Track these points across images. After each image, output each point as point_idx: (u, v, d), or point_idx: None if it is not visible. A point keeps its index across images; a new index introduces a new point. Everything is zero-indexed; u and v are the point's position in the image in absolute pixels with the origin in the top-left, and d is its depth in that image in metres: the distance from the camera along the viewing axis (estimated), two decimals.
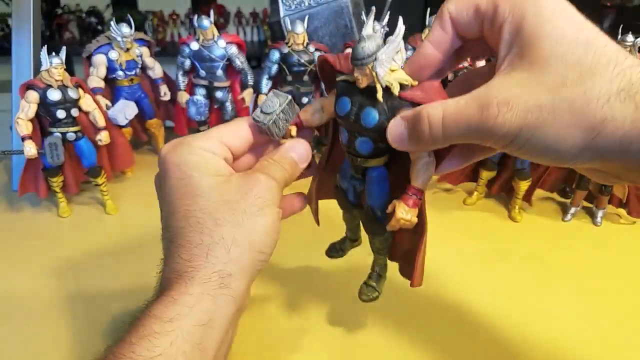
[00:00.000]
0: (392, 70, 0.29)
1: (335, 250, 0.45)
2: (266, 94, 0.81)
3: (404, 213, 0.31)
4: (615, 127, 0.23)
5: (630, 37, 0.71)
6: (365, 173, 0.35)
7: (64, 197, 0.68)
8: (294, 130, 0.35)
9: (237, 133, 0.34)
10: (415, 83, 0.30)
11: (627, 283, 0.55)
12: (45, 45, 0.63)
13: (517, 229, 0.67)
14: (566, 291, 0.53)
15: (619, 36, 0.72)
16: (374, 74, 0.28)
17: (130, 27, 0.76)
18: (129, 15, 0.78)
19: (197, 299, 0.28)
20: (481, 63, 0.75)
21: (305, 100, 0.81)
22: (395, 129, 0.29)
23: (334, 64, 0.32)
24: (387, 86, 0.29)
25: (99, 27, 2.53)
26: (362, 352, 0.44)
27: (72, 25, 2.55)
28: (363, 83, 0.29)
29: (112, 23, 0.75)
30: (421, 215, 0.33)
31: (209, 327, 0.28)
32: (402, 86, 0.29)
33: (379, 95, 0.29)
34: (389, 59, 0.29)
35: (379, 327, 0.47)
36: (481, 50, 0.31)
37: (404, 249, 0.38)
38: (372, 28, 0.30)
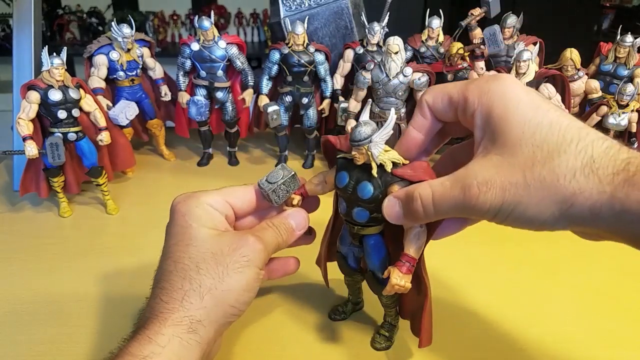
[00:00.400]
0: (386, 151, 0.34)
1: (338, 312, 0.47)
2: (266, 94, 0.81)
3: (398, 279, 0.34)
4: (584, 198, 0.26)
5: (629, 38, 0.72)
6: (363, 240, 0.39)
7: (65, 197, 0.68)
8: (297, 199, 0.39)
9: (243, 195, 0.39)
10: (407, 162, 0.34)
11: (624, 281, 0.56)
12: (46, 46, 0.63)
13: (515, 230, 0.67)
14: (565, 291, 0.53)
15: (618, 37, 0.72)
16: (369, 153, 0.33)
17: (131, 28, 0.77)
18: (129, 16, 0.78)
19: (168, 339, 0.31)
20: (481, 64, 0.75)
21: (305, 100, 0.81)
22: (391, 208, 0.33)
23: (335, 143, 0.37)
24: (381, 163, 0.33)
25: (100, 28, 2.54)
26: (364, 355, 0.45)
27: (72, 26, 2.56)
28: (360, 160, 0.34)
29: (113, 24, 0.76)
30: (421, 279, 0.37)
31: None
32: (395, 164, 0.34)
33: (374, 171, 0.33)
34: (382, 141, 0.33)
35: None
36: (460, 131, 0.35)
37: (411, 309, 0.42)
38: (368, 115, 0.35)
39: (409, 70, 0.68)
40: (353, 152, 0.34)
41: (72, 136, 0.65)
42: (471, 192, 0.28)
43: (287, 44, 0.78)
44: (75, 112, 0.65)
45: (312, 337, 0.46)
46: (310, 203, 0.41)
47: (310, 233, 0.42)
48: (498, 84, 0.30)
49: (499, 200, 0.28)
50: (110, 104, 0.76)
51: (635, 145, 0.63)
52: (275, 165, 0.38)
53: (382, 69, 0.69)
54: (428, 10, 0.83)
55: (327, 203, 0.43)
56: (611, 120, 0.62)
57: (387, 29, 0.80)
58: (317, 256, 0.46)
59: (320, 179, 0.39)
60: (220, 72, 0.80)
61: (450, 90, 0.32)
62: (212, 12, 0.80)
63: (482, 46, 0.74)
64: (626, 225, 0.26)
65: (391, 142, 0.35)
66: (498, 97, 0.29)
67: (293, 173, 0.38)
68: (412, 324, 0.42)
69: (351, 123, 0.75)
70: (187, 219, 0.36)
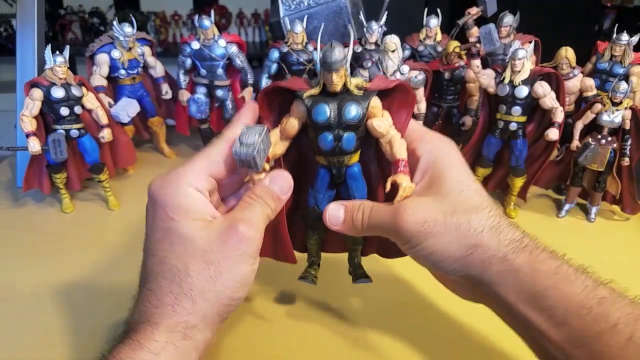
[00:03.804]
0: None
1: (311, 276, 0.44)
2: None
3: (408, 182, 0.35)
4: (482, 251, 0.32)
5: (624, 37, 0.72)
6: (347, 172, 0.38)
7: (67, 193, 0.69)
8: (267, 165, 0.36)
9: (222, 159, 0.35)
10: (367, 84, 0.36)
11: (620, 279, 0.56)
12: (49, 44, 0.64)
13: None
14: None
15: (614, 35, 0.73)
16: (346, 74, 0.34)
17: (133, 27, 0.78)
18: (131, 15, 0.79)
19: (162, 346, 0.30)
20: (477, 62, 0.76)
21: None
22: (335, 211, 0.38)
23: (291, 86, 0.36)
24: (348, 88, 0.34)
25: (102, 28, 2.54)
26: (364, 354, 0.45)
27: (75, 26, 2.56)
28: (339, 85, 0.34)
29: (115, 22, 0.77)
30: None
31: None
32: (359, 86, 0.35)
33: (355, 91, 0.35)
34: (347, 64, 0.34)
35: (375, 326, 0.48)
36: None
37: (380, 238, 0.41)
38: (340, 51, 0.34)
39: (406, 68, 0.69)
40: (332, 78, 0.33)
41: (74, 133, 0.66)
42: (399, 211, 0.34)
43: (286, 43, 0.79)
44: (78, 110, 0.66)
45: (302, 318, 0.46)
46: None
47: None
48: (447, 145, 0.37)
49: (417, 228, 0.33)
50: (112, 102, 0.77)
51: (629, 143, 0.63)
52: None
53: (380, 66, 0.69)
54: (426, 9, 0.83)
55: None
56: (605, 117, 0.63)
57: (385, 28, 0.81)
58: (276, 246, 0.41)
59: (275, 138, 0.36)
60: (220, 71, 0.81)
61: (411, 125, 0.38)
62: (213, 12, 0.81)
63: (478, 45, 0.75)
64: (500, 281, 0.32)
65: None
66: (443, 155, 0.36)
67: (266, 128, 0.34)
68: (383, 249, 0.44)
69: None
70: (169, 212, 0.32)
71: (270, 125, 0.37)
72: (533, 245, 0.33)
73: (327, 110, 0.34)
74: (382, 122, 0.36)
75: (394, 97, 0.37)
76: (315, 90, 0.35)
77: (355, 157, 0.38)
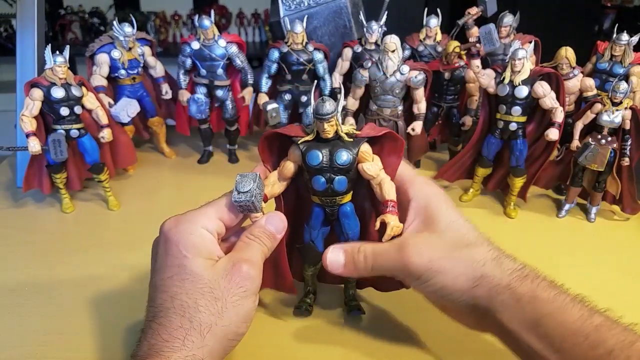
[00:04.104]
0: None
1: (307, 307, 0.47)
2: (266, 93, 0.83)
3: (395, 221, 0.39)
4: (488, 281, 0.35)
5: (624, 37, 0.72)
6: (340, 211, 0.41)
7: (67, 193, 0.69)
8: (263, 204, 0.39)
9: (230, 207, 0.38)
10: (358, 132, 0.39)
11: (620, 279, 0.56)
12: (49, 44, 0.64)
13: (512, 225, 0.68)
14: None
15: (614, 35, 0.73)
16: (338, 123, 0.38)
17: (133, 27, 0.78)
18: (131, 16, 0.79)
19: None
20: (477, 62, 0.76)
21: (304, 98, 0.82)
22: (335, 255, 0.39)
23: (287, 133, 0.39)
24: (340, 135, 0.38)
25: (102, 28, 2.54)
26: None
27: (75, 26, 2.56)
28: (330, 133, 0.38)
29: (115, 22, 0.77)
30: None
31: None
32: (349, 134, 0.39)
33: (345, 138, 0.38)
34: (339, 115, 0.38)
35: (375, 326, 0.48)
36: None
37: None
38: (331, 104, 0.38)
39: (405, 68, 0.69)
40: (324, 127, 0.37)
41: (74, 133, 0.66)
42: (405, 251, 0.36)
43: (286, 43, 0.79)
44: (78, 110, 0.66)
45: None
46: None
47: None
48: (435, 189, 0.40)
49: (426, 266, 0.35)
50: (112, 102, 0.77)
51: (629, 143, 0.63)
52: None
53: (380, 67, 0.69)
54: (426, 9, 0.84)
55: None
56: (605, 117, 0.63)
57: (385, 28, 0.81)
58: (277, 279, 0.45)
59: (273, 179, 0.40)
60: (220, 71, 0.81)
61: (401, 169, 0.40)
62: (213, 12, 0.81)
63: (477, 45, 0.75)
64: (504, 309, 0.34)
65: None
66: (433, 196, 0.39)
67: (258, 174, 0.38)
68: (378, 284, 0.46)
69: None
70: (182, 249, 0.34)
71: (270, 167, 0.42)
72: (534, 274, 0.35)
73: (320, 155, 0.38)
74: (372, 166, 0.39)
75: (384, 143, 0.40)
76: (309, 137, 0.39)
77: (348, 197, 0.41)
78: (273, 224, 0.39)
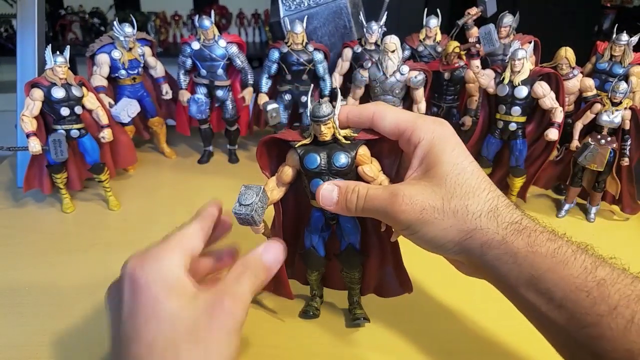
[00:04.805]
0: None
1: (313, 310, 0.47)
2: (266, 93, 0.83)
3: None
4: (481, 234, 0.33)
5: (624, 37, 0.72)
6: (339, 215, 0.41)
7: (68, 193, 0.69)
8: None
9: (195, 235, 0.35)
10: (356, 135, 0.39)
11: None
12: (50, 44, 0.64)
13: None
14: None
15: (614, 35, 0.73)
16: (334, 125, 0.38)
17: (133, 27, 0.78)
18: (131, 16, 0.79)
19: None
20: (476, 62, 0.76)
21: (304, 98, 0.82)
22: (328, 192, 0.38)
23: (285, 137, 0.40)
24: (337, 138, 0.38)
25: (102, 28, 2.55)
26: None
27: (75, 27, 2.57)
28: (327, 135, 0.38)
29: (115, 23, 0.77)
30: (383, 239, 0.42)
31: None
32: (347, 136, 0.39)
33: (342, 140, 0.38)
34: (336, 118, 0.38)
35: (376, 326, 0.48)
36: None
37: (374, 280, 0.46)
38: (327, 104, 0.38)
39: (405, 68, 0.69)
40: (321, 129, 0.37)
41: (74, 133, 0.66)
42: (396, 199, 0.34)
43: (286, 43, 0.79)
44: (78, 110, 0.66)
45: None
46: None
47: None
48: (442, 129, 0.36)
49: (415, 216, 0.34)
50: (112, 102, 0.77)
51: (629, 143, 0.63)
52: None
53: (380, 67, 0.70)
54: (426, 10, 0.84)
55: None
56: (605, 117, 0.63)
57: (385, 28, 0.81)
58: (277, 285, 0.46)
59: (272, 185, 0.40)
60: (220, 71, 0.81)
61: (400, 116, 0.37)
62: (213, 12, 0.81)
63: (477, 45, 0.75)
64: (499, 264, 0.33)
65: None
66: (439, 139, 0.36)
67: (262, 187, 0.37)
68: (380, 290, 0.47)
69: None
70: (153, 290, 0.31)
71: (268, 173, 0.41)
72: (532, 227, 0.33)
73: (318, 159, 0.38)
74: (370, 168, 0.39)
75: (383, 145, 0.40)
76: (306, 141, 0.39)
77: None
78: (270, 255, 0.36)
